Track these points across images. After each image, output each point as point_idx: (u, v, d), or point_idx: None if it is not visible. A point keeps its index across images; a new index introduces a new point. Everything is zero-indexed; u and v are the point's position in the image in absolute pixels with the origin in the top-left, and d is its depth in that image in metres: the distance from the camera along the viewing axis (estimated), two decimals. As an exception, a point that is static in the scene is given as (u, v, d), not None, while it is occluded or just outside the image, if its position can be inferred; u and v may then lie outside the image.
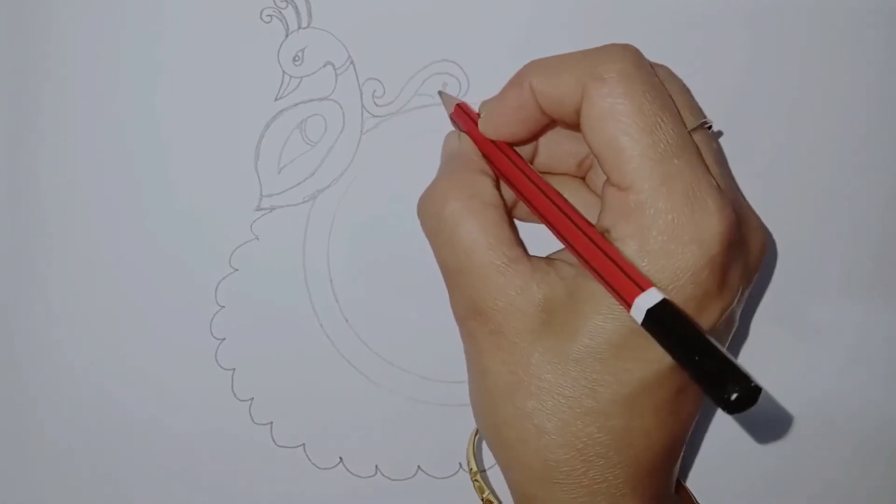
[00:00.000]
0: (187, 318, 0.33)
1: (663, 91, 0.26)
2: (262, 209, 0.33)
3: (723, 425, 0.35)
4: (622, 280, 0.24)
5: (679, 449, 0.28)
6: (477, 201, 0.27)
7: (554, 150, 0.30)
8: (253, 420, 0.34)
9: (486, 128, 0.29)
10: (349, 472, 0.34)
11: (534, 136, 0.29)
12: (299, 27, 0.33)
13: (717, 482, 0.35)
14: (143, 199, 0.33)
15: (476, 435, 0.31)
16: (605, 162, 0.25)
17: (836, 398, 0.35)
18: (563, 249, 0.29)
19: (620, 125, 0.25)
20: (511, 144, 0.29)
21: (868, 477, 0.35)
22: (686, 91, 0.29)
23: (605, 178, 0.26)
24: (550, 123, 0.29)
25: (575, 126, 0.27)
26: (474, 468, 0.31)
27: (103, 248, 0.33)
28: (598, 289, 0.25)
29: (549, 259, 0.28)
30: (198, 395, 0.33)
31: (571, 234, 0.26)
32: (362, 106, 0.33)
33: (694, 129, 0.26)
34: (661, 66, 0.29)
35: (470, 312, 0.27)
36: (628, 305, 0.23)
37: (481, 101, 0.29)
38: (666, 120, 0.25)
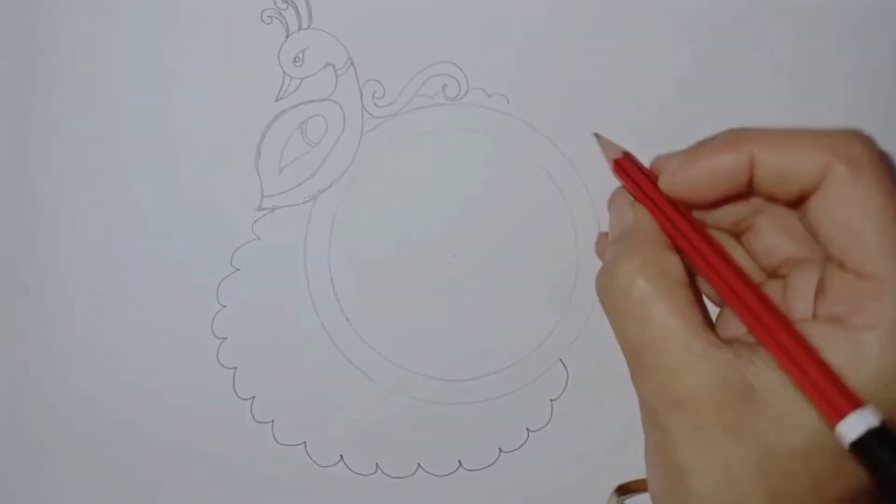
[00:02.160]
0: (189, 317, 0.33)
1: None
2: (263, 209, 0.33)
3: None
4: (831, 394, 0.22)
5: None
6: (668, 280, 0.25)
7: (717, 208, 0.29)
8: (254, 418, 0.34)
9: (676, 187, 0.27)
10: (350, 469, 0.34)
11: (718, 204, 0.28)
12: (300, 28, 0.33)
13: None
14: (145, 199, 0.33)
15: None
16: (843, 245, 0.24)
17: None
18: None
19: (868, 211, 0.24)
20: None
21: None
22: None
23: (834, 261, 0.25)
24: (743, 193, 0.27)
25: (785, 201, 0.26)
26: None
27: (104, 248, 0.33)
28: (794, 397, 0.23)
29: (744, 342, 0.26)
30: (199, 393, 0.34)
31: (772, 331, 0.24)
32: (363, 107, 0.33)
33: None
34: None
35: (667, 403, 0.25)
36: (834, 419, 0.22)
37: (655, 155, 0.28)
38: None
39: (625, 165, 0.28)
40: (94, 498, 0.34)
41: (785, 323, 0.24)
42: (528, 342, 0.33)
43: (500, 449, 0.34)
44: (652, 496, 0.27)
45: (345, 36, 0.33)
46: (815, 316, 0.25)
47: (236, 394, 0.34)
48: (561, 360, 0.34)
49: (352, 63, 0.33)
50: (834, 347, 0.23)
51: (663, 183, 0.27)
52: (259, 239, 0.33)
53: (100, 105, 0.33)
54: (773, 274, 0.29)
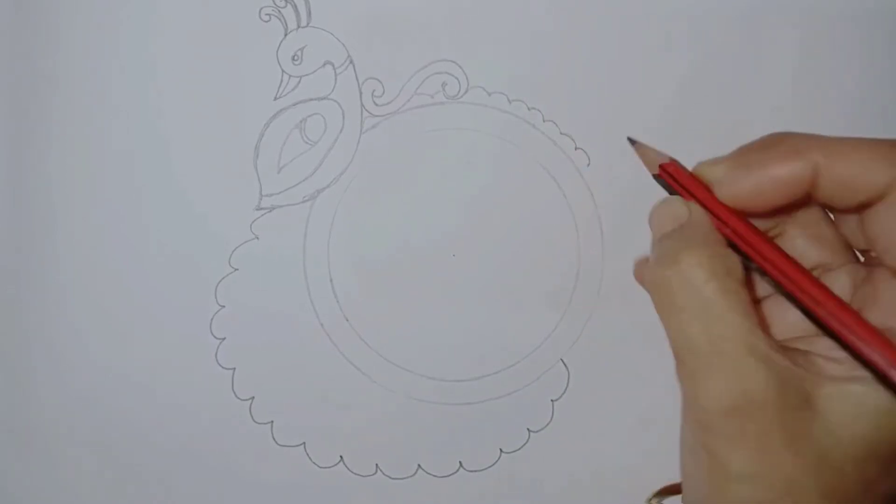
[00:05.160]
0: (187, 317, 0.33)
1: None
2: (261, 209, 0.33)
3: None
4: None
5: None
6: (733, 279, 0.24)
7: None
8: (253, 419, 0.34)
9: (737, 197, 0.26)
10: (349, 470, 0.34)
11: (776, 213, 0.27)
12: (298, 26, 0.33)
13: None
14: (143, 198, 0.33)
15: None
16: None
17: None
18: (807, 338, 0.26)
19: None
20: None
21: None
22: None
23: (891, 272, 0.25)
24: (802, 201, 0.27)
25: (844, 209, 0.26)
26: None
27: (103, 248, 0.33)
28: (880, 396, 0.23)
29: (797, 348, 0.26)
30: (198, 394, 0.33)
31: (841, 318, 0.23)
32: (362, 105, 0.33)
33: None
34: None
35: (726, 406, 0.24)
36: None
37: (699, 161, 0.27)
38: None
39: (673, 172, 0.28)
40: (93, 498, 0.34)
41: (851, 311, 0.24)
42: (529, 342, 0.33)
43: (500, 450, 0.34)
44: (687, 501, 0.26)
45: (344, 34, 0.33)
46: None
47: (235, 394, 0.34)
48: (562, 359, 0.34)
49: (351, 61, 0.33)
50: None
51: (722, 192, 0.26)
52: (258, 239, 0.33)
53: (97, 104, 0.33)
54: None
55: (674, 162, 0.28)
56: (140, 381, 0.33)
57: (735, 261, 0.25)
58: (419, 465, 0.34)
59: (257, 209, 0.33)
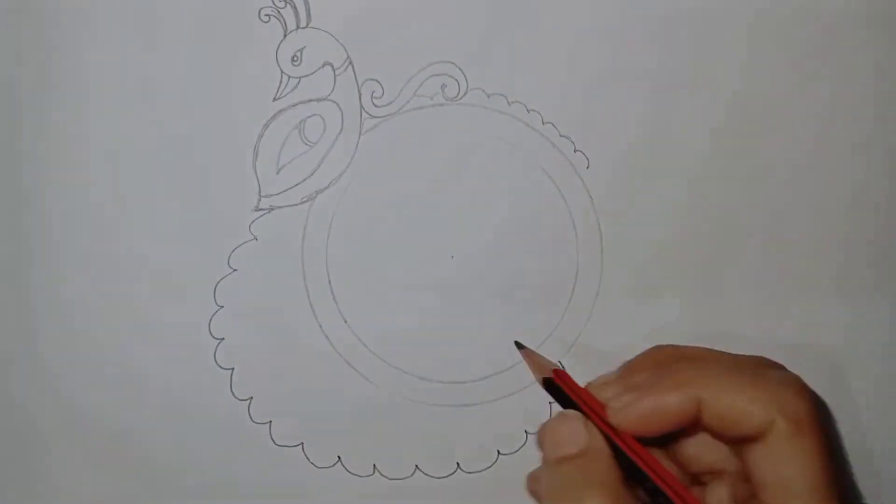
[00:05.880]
0: (186, 317, 0.33)
1: (827, 426, 0.29)
2: (260, 209, 0.33)
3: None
4: None
5: None
6: None
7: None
8: (252, 419, 0.34)
9: (626, 422, 0.28)
10: (347, 471, 0.34)
11: (662, 434, 0.29)
12: (298, 27, 0.33)
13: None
14: (142, 199, 0.33)
15: None
16: (775, 496, 0.26)
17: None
18: None
19: (805, 473, 0.26)
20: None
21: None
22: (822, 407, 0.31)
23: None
24: (690, 428, 0.28)
25: (723, 439, 0.28)
26: None
27: (102, 249, 0.33)
28: None
29: None
30: (197, 394, 0.34)
31: None
32: (361, 106, 0.33)
33: None
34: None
35: None
36: None
37: (589, 382, 0.29)
38: (830, 458, 0.26)
39: (566, 380, 0.29)
40: (91, 498, 0.34)
41: None
42: (527, 343, 0.33)
43: (498, 451, 0.34)
44: None
45: (343, 35, 0.33)
46: None
47: (234, 394, 0.34)
48: (560, 361, 0.34)
49: (350, 62, 0.33)
50: None
51: (613, 416, 0.28)
52: (256, 239, 0.33)
53: (96, 104, 0.33)
54: (695, 480, 0.30)
55: (564, 371, 0.29)
56: (139, 380, 0.33)
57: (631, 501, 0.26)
58: (417, 466, 0.34)
59: (256, 210, 0.33)
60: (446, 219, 0.33)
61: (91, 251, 0.33)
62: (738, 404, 0.27)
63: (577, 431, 0.28)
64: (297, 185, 0.33)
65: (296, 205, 0.33)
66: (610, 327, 0.34)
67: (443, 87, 0.33)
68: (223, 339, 0.33)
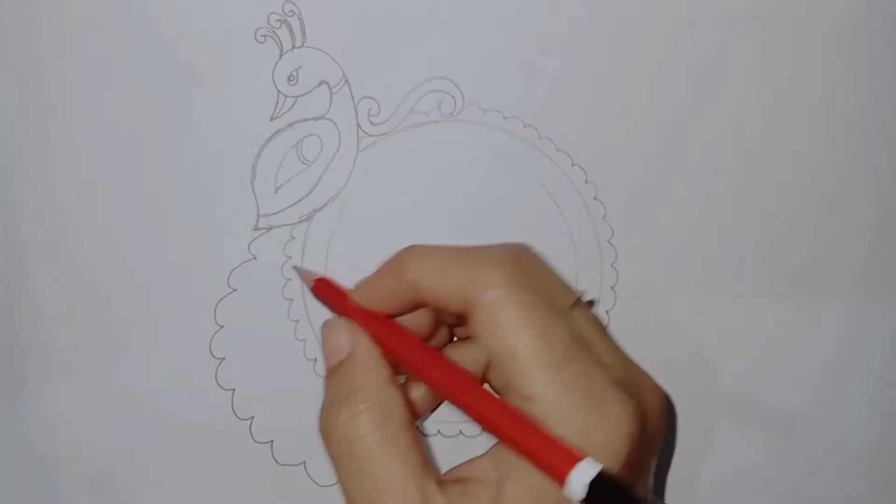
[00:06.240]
0: (187, 337, 0.33)
1: (548, 294, 0.26)
2: (259, 229, 0.33)
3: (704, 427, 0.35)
4: (556, 453, 0.23)
5: None
6: (391, 425, 0.26)
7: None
8: (253, 438, 0.34)
9: (362, 302, 0.28)
10: (350, 489, 0.34)
11: (410, 311, 0.29)
12: (293, 46, 0.33)
13: (698, 481, 0.35)
14: (141, 220, 0.33)
15: None
16: (502, 369, 0.25)
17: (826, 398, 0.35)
18: (472, 460, 0.27)
19: (513, 335, 0.25)
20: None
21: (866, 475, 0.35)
22: (552, 271, 0.29)
23: (504, 380, 0.26)
24: (422, 304, 0.28)
25: (460, 319, 0.27)
26: None
27: (100, 270, 0.33)
28: (521, 497, 0.25)
29: (461, 480, 0.26)
30: (198, 413, 0.34)
31: (493, 415, 0.25)
32: (357, 125, 0.33)
33: (572, 306, 0.27)
34: (526, 249, 0.29)
35: None
36: (562, 480, 0.23)
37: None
38: (556, 324, 0.25)
39: (320, 289, 0.30)
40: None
41: (502, 406, 0.25)
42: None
43: (500, 467, 0.34)
44: None
45: (339, 54, 0.33)
46: None
47: (235, 414, 0.34)
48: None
49: (346, 81, 0.33)
50: None
51: (354, 296, 0.29)
52: (255, 259, 0.33)
53: (94, 124, 0.33)
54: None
55: (322, 280, 0.30)
56: (139, 399, 0.33)
57: (395, 400, 0.26)
58: (419, 484, 0.34)
59: (255, 229, 0.33)
60: (444, 235, 0.33)
61: (88, 272, 0.33)
62: (443, 282, 0.26)
63: (340, 340, 0.28)
64: (295, 203, 0.33)
65: (294, 224, 0.33)
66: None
67: (439, 103, 0.33)
68: (224, 358, 0.33)
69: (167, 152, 0.33)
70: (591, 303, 0.33)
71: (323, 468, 0.34)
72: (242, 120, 0.33)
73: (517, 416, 0.25)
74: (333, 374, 0.28)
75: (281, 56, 0.33)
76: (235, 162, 0.33)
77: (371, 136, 0.33)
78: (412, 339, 0.28)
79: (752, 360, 0.35)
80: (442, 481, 0.26)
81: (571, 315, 0.27)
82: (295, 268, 0.32)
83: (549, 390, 0.25)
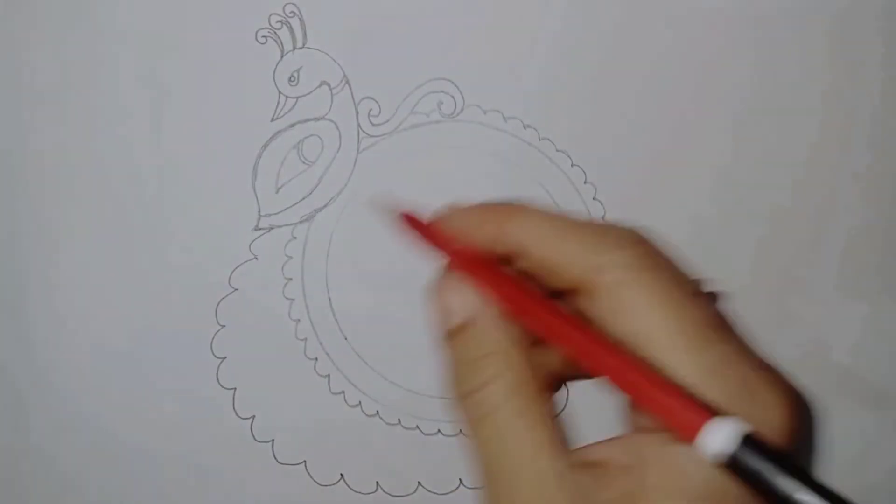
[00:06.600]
0: (188, 337, 0.33)
1: (679, 274, 0.24)
2: (260, 229, 0.33)
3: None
4: (698, 409, 0.21)
5: None
6: (525, 393, 0.23)
7: None
8: (254, 437, 0.34)
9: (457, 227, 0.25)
10: (350, 488, 0.34)
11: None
12: (294, 48, 0.33)
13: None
14: (142, 220, 0.33)
15: None
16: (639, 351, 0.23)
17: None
18: (601, 443, 0.25)
19: (646, 317, 0.22)
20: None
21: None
22: (672, 256, 0.26)
23: None
24: None
25: (560, 292, 0.24)
26: None
27: (103, 270, 0.33)
28: (661, 496, 0.22)
29: (591, 465, 0.24)
30: (199, 413, 0.34)
31: (637, 378, 0.22)
32: (358, 125, 0.33)
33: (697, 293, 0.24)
34: (645, 232, 0.26)
35: None
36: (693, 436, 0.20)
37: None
38: (691, 305, 0.23)
39: (414, 224, 0.26)
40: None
41: (638, 364, 0.22)
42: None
43: (500, 467, 0.34)
44: None
45: (339, 54, 0.33)
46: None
47: (236, 413, 0.34)
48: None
49: (347, 81, 0.33)
50: None
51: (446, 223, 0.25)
52: (257, 258, 0.33)
53: (97, 125, 0.33)
54: None
55: (412, 213, 0.26)
56: (141, 399, 0.34)
57: (525, 371, 0.24)
58: (420, 483, 0.34)
59: (256, 229, 0.33)
60: (445, 235, 0.33)
61: (90, 272, 0.33)
62: (559, 250, 0.23)
63: (460, 298, 0.25)
64: (296, 203, 0.33)
65: (295, 223, 0.33)
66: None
67: (439, 104, 0.33)
68: (225, 357, 0.34)
69: (168, 152, 0.33)
70: (713, 295, 0.31)
71: (323, 467, 0.34)
72: (244, 120, 0.33)
73: (656, 374, 0.22)
74: (457, 336, 0.25)
75: (282, 57, 0.33)
76: (237, 162, 0.33)
77: (371, 136, 0.33)
78: (543, 298, 0.24)
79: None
80: (572, 463, 0.23)
81: (700, 300, 0.24)
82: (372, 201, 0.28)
83: (692, 375, 0.22)
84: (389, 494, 0.34)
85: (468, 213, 0.25)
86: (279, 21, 0.33)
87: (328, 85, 0.33)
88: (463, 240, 0.25)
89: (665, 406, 0.21)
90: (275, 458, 0.34)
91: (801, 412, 0.26)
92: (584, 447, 0.24)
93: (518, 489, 0.23)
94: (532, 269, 0.24)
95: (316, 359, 0.34)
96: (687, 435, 0.21)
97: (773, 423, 0.22)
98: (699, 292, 0.24)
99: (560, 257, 0.23)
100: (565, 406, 0.34)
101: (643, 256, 0.23)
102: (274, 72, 0.33)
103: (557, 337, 0.23)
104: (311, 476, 0.34)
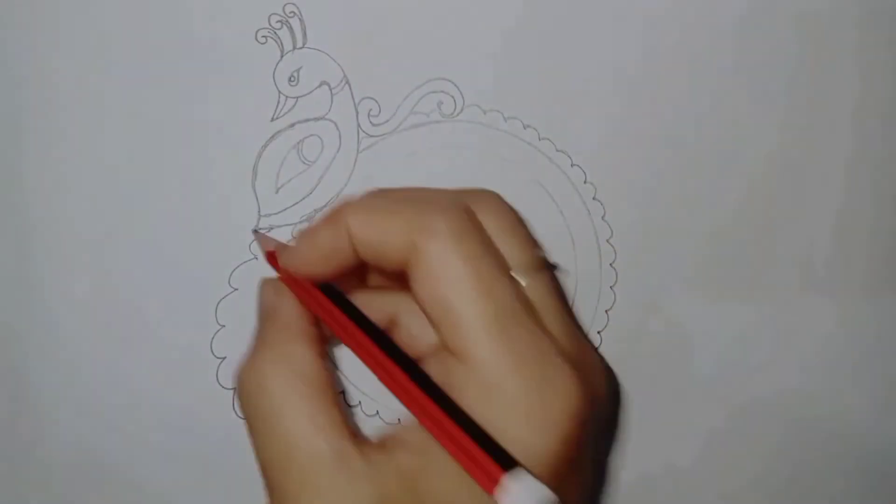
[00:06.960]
0: (188, 337, 0.33)
1: (496, 250, 0.24)
2: (260, 229, 0.33)
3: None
4: (486, 464, 0.21)
5: None
6: (303, 382, 0.24)
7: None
8: (255, 438, 0.34)
9: (290, 264, 0.27)
10: (351, 488, 0.34)
11: (341, 276, 0.27)
12: (294, 47, 0.33)
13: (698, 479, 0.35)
14: (142, 219, 0.33)
15: None
16: (439, 325, 0.23)
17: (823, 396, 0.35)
18: (401, 424, 0.26)
19: (453, 289, 0.23)
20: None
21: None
22: (521, 224, 0.27)
23: (438, 337, 0.24)
24: (363, 265, 0.27)
25: (393, 275, 0.25)
26: None
27: (102, 269, 0.33)
28: (447, 485, 0.22)
29: (384, 444, 0.25)
30: (199, 413, 0.34)
31: (421, 405, 0.23)
32: (358, 125, 0.33)
33: (532, 267, 0.25)
34: (494, 196, 0.27)
35: None
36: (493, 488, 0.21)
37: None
38: (503, 283, 0.23)
39: (262, 239, 0.30)
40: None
41: (432, 395, 0.23)
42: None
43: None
44: None
45: (339, 54, 0.33)
46: None
47: (236, 413, 0.34)
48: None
49: (347, 81, 0.33)
50: None
51: (281, 260, 0.27)
52: (257, 259, 0.33)
53: (95, 124, 0.33)
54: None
55: (258, 233, 0.30)
56: (140, 398, 0.34)
57: (307, 356, 0.25)
58: (420, 483, 0.34)
59: (256, 229, 0.33)
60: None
61: (90, 271, 0.33)
62: (380, 228, 0.24)
63: (268, 297, 0.28)
64: (296, 203, 0.33)
65: (295, 224, 0.33)
66: (607, 343, 0.34)
67: (439, 104, 0.33)
68: (225, 358, 0.34)
69: (168, 152, 0.33)
70: (554, 266, 0.32)
71: (323, 467, 0.34)
72: (243, 120, 0.33)
73: (452, 412, 0.22)
74: (258, 328, 0.28)
75: (282, 57, 0.33)
76: (236, 162, 0.33)
77: (371, 136, 0.33)
78: (330, 306, 0.26)
79: (752, 359, 0.35)
80: (362, 443, 0.24)
81: (526, 276, 0.24)
82: (255, 231, 0.32)
83: (488, 353, 0.22)
84: (389, 494, 0.34)
85: (311, 228, 0.27)
86: (279, 21, 0.33)
87: (328, 85, 0.33)
88: (306, 259, 0.27)
89: (461, 454, 0.22)
90: (275, 457, 0.34)
91: (601, 395, 0.26)
92: (382, 432, 0.25)
93: (293, 470, 0.23)
94: (369, 261, 0.25)
95: (316, 359, 0.34)
96: (484, 484, 0.21)
97: (560, 409, 0.22)
98: (533, 268, 0.25)
99: (382, 237, 0.24)
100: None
101: (465, 223, 0.24)
102: (274, 72, 0.33)
103: (354, 348, 0.25)
104: (311, 476, 0.34)
